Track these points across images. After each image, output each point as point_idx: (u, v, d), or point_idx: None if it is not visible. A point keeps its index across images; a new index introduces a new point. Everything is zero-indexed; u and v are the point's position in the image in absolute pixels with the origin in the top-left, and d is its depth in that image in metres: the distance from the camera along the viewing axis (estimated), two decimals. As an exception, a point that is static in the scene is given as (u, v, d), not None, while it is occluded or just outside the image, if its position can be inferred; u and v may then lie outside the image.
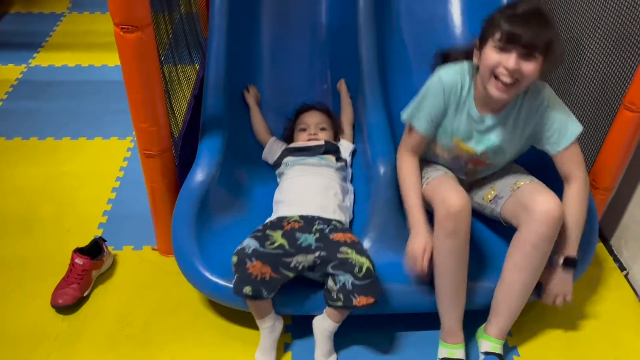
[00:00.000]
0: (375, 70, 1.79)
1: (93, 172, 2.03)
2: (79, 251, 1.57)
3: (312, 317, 1.39)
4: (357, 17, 1.86)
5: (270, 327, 1.36)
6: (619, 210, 1.76)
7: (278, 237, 1.37)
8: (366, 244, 1.47)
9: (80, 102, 2.41)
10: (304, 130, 1.77)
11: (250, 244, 1.33)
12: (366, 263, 1.29)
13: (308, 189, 1.54)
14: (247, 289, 1.27)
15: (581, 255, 1.43)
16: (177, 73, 1.99)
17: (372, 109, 1.70)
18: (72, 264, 1.54)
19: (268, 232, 1.38)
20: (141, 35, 1.19)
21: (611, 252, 1.79)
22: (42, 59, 2.70)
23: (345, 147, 1.77)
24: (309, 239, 1.38)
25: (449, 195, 1.31)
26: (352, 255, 1.31)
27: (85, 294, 1.54)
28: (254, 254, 1.30)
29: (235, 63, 1.87)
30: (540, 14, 1.20)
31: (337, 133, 1.82)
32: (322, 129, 1.77)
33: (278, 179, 1.67)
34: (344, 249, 1.32)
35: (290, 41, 2.04)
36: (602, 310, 1.60)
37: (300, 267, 1.34)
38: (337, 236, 1.37)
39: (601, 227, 1.77)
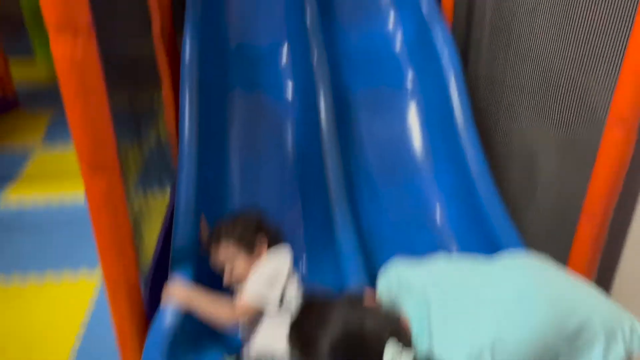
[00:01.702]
0: (342, 191, 1.83)
1: (59, 315, 1.95)
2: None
3: None
4: (322, 142, 1.94)
5: None
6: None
7: None
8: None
9: (49, 237, 2.37)
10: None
11: None
12: None
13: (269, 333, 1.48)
14: None
15: None
16: (148, 205, 2.00)
17: (342, 230, 1.72)
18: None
19: None
20: (109, 180, 1.21)
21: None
22: (11, 195, 2.69)
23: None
24: None
25: None
26: None
27: None
28: None
29: (206, 192, 1.90)
30: None
31: (253, 237, 1.54)
32: (230, 262, 1.53)
33: None
34: None
35: (259, 168, 2.09)
36: None
37: None
38: None
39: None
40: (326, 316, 1.10)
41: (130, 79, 1.99)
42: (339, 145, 1.95)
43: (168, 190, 2.26)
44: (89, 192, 1.26)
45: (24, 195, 2.67)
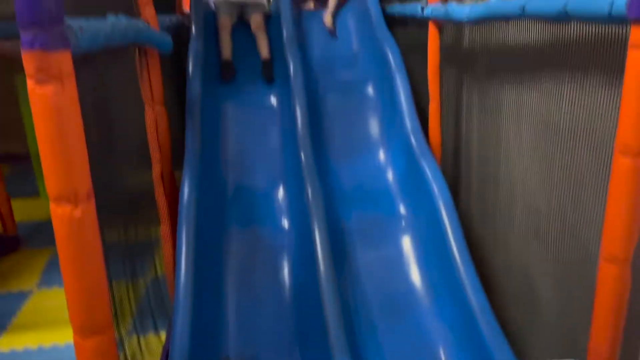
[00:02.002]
0: (342, 336, 1.76)
1: None
2: None
3: None
4: (319, 280, 1.93)
5: None
6: None
7: None
8: None
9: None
10: None
11: None
12: None
13: None
14: None
15: None
16: (141, 349, 1.94)
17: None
18: None
19: None
20: (101, 343, 1.19)
21: None
22: (3, 343, 2.60)
23: None
24: None
25: None
26: None
27: None
28: None
29: (201, 334, 1.85)
30: None
31: None
32: None
33: None
34: None
35: (256, 306, 2.07)
36: None
37: None
38: None
39: None
40: None
41: (128, 220, 2.03)
42: (336, 282, 1.93)
43: (162, 336, 2.20)
44: (79, 353, 1.23)
45: (16, 345, 2.58)
